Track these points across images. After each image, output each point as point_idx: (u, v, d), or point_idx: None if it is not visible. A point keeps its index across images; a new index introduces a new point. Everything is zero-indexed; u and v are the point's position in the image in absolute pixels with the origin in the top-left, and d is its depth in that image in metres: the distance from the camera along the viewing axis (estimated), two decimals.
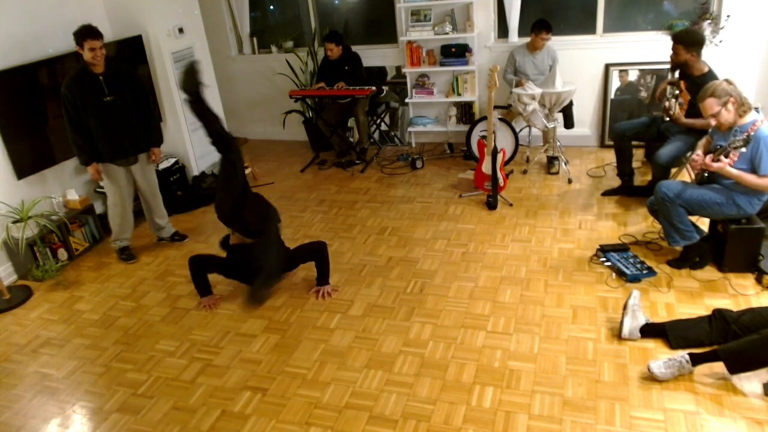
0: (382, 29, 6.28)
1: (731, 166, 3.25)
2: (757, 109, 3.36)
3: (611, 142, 4.86)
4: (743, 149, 3.20)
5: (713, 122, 3.33)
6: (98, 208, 5.00)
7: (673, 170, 4.35)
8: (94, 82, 4.04)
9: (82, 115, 4.04)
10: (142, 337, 3.57)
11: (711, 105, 3.27)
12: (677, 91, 4.15)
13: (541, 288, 3.61)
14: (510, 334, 3.21)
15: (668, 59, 4.20)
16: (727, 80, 3.31)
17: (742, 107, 3.25)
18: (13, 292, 4.17)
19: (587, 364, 2.94)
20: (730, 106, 3.24)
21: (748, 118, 3.27)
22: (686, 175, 4.50)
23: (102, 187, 5.03)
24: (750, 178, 3.22)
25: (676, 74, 4.25)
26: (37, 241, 4.36)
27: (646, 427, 2.54)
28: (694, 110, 4.05)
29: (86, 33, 3.89)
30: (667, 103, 4.20)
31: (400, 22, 5.95)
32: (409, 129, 6.30)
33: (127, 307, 3.91)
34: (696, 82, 3.99)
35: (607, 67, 5.46)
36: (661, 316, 3.21)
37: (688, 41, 4.01)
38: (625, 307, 3.10)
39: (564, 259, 3.89)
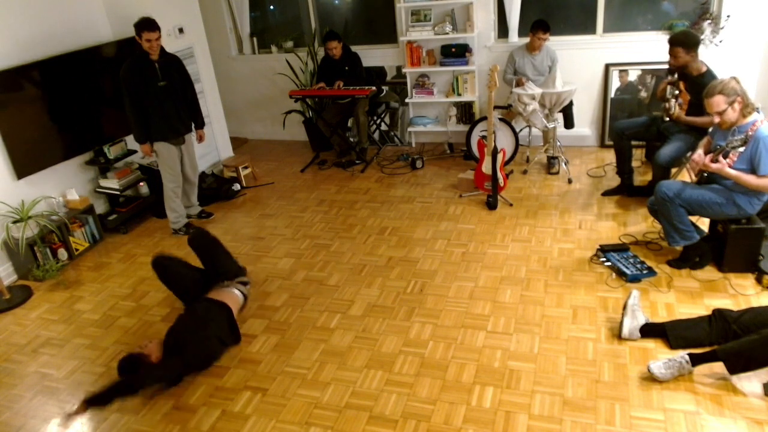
0: (382, 29, 6.28)
1: (731, 166, 3.25)
2: (757, 110, 3.36)
3: (611, 142, 4.85)
4: (741, 149, 3.20)
5: (716, 119, 3.32)
6: (98, 208, 5.00)
7: (673, 170, 4.35)
8: (150, 67, 4.40)
9: (141, 97, 4.38)
10: (142, 337, 3.56)
11: (718, 102, 3.24)
12: (677, 91, 4.14)
13: (541, 288, 3.61)
14: (510, 334, 3.21)
15: (667, 63, 4.16)
16: (734, 78, 3.26)
17: (747, 108, 3.24)
18: (13, 292, 4.17)
19: (587, 364, 2.94)
20: (736, 105, 3.22)
21: (750, 118, 3.26)
22: (686, 175, 4.48)
23: (102, 187, 5.06)
24: (749, 179, 3.22)
25: (675, 74, 4.24)
26: (37, 241, 4.36)
27: (646, 427, 2.54)
28: (694, 110, 4.05)
29: (144, 25, 4.28)
30: (667, 104, 4.19)
31: (400, 22, 5.95)
32: (409, 129, 6.30)
33: (127, 307, 3.91)
34: (695, 82, 3.99)
35: (607, 67, 5.46)
36: (661, 316, 3.21)
37: (689, 43, 3.98)
38: (624, 307, 3.10)
39: (564, 259, 3.89)
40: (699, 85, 3.83)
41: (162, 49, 4.44)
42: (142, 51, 4.36)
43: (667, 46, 4.11)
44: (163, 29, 5.23)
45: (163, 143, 4.56)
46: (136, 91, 4.36)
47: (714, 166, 3.25)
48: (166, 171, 4.66)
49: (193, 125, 4.79)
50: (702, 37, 5.02)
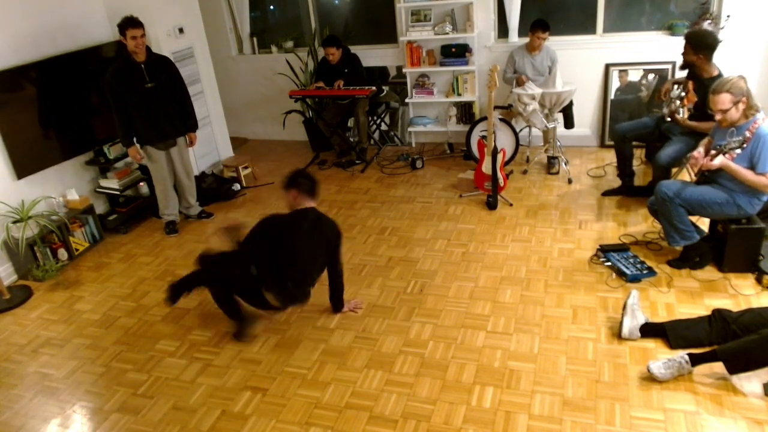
0: (382, 29, 6.28)
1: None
2: (759, 111, 3.35)
3: (611, 142, 4.85)
4: (738, 150, 3.20)
5: (718, 116, 3.31)
6: (98, 208, 5.00)
7: (674, 170, 4.35)
8: (136, 70, 4.34)
9: (125, 101, 4.35)
10: (142, 337, 3.57)
11: (724, 101, 3.22)
12: (682, 93, 4.12)
13: (541, 288, 3.61)
14: (510, 334, 3.21)
15: (677, 57, 4.16)
16: (743, 78, 3.25)
17: (750, 110, 3.24)
18: (13, 292, 4.17)
19: (587, 364, 2.94)
20: (740, 105, 3.22)
21: (750, 118, 3.26)
22: (687, 176, 4.49)
23: (102, 188, 5.07)
24: (746, 174, 3.22)
25: (684, 73, 4.21)
26: (37, 241, 4.36)
27: (646, 427, 2.54)
28: (699, 112, 4.04)
29: (127, 23, 4.23)
30: (672, 106, 4.18)
31: (400, 22, 5.95)
32: (409, 129, 6.30)
33: (127, 307, 3.91)
34: (704, 85, 3.97)
35: (607, 67, 5.46)
36: (661, 316, 3.21)
37: (695, 43, 3.96)
38: (624, 307, 3.10)
39: (564, 259, 3.89)
40: (708, 89, 3.83)
41: (149, 49, 4.41)
42: (126, 54, 4.33)
43: (667, 45, 4.10)
44: (162, 29, 5.26)
45: (148, 147, 4.55)
46: (122, 95, 4.33)
47: (716, 162, 3.23)
48: (153, 176, 4.72)
49: (186, 128, 4.71)
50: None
